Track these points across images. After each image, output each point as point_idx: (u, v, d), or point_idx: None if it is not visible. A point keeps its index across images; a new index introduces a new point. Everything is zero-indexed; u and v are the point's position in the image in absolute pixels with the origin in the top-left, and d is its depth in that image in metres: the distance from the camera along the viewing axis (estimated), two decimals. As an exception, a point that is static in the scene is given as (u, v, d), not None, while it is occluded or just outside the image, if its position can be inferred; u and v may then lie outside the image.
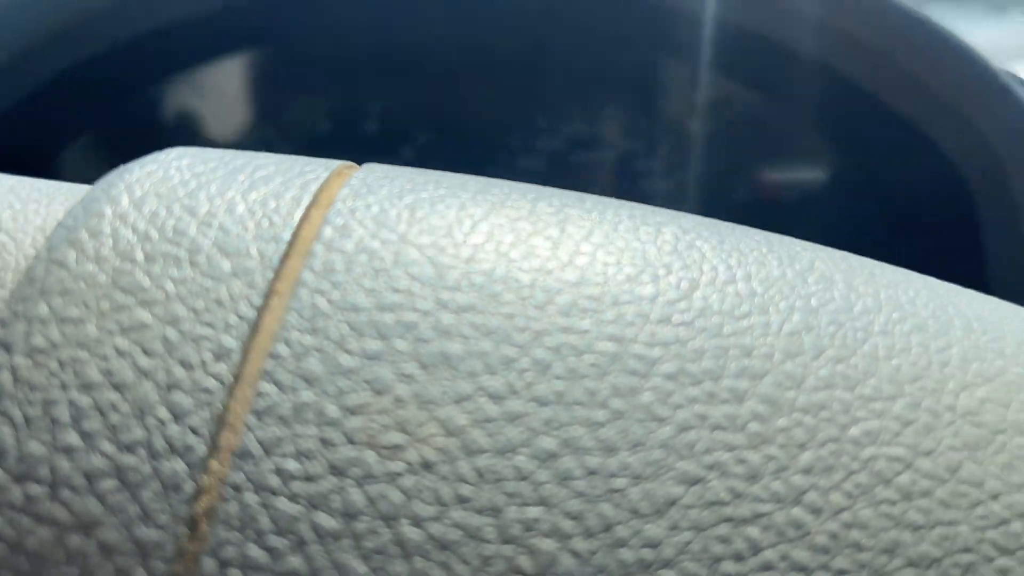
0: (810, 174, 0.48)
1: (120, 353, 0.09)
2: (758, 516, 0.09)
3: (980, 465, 0.10)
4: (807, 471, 0.10)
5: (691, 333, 0.10)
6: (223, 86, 0.46)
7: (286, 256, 0.10)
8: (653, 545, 0.09)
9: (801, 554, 0.09)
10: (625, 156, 0.49)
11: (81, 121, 0.42)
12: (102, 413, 0.09)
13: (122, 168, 0.11)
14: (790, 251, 0.12)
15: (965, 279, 0.45)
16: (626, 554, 0.09)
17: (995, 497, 0.10)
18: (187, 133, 0.45)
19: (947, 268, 0.46)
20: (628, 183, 0.49)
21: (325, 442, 0.09)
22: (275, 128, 0.47)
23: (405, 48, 0.47)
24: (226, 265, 0.10)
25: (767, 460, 0.10)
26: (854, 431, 0.10)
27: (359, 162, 0.13)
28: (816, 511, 0.09)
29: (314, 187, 0.11)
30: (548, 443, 0.09)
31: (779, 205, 0.48)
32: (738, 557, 0.09)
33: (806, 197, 0.48)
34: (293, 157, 0.13)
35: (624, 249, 0.11)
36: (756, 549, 0.09)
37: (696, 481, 0.09)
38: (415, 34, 0.46)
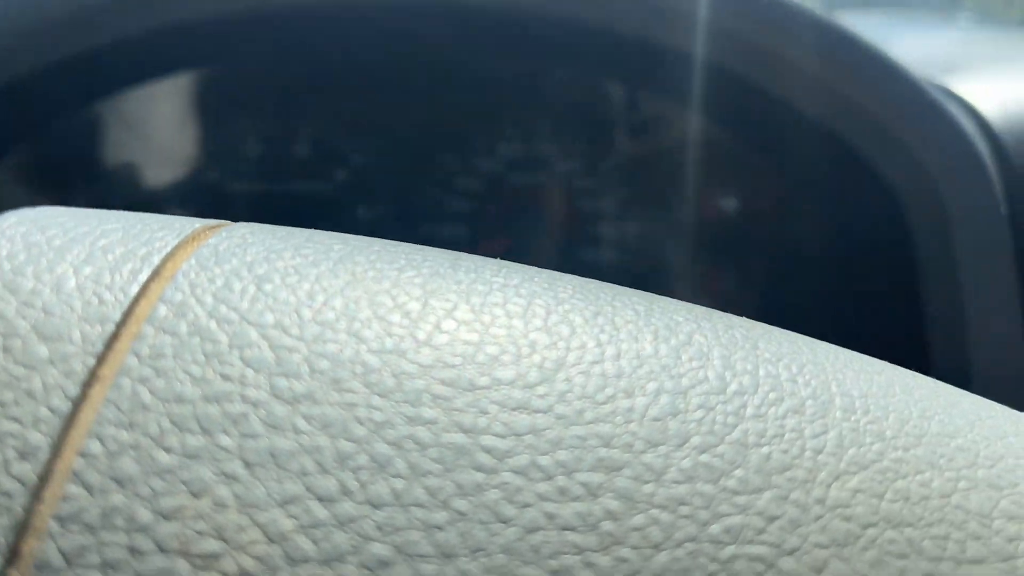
0: (752, 195, 0.48)
1: None
2: None
3: (846, 563, 0.09)
4: (660, 575, 0.09)
5: (548, 421, 0.10)
6: (156, 108, 0.45)
7: (114, 338, 0.10)
8: None
9: None
10: (564, 177, 0.48)
11: (12, 138, 0.40)
12: None
13: None
14: (669, 322, 0.11)
15: (901, 299, 0.45)
16: None
17: None
18: (119, 155, 0.44)
19: (884, 288, 0.46)
20: (567, 204, 0.48)
21: (134, 551, 0.08)
22: (207, 151, 0.46)
23: (339, 70, 0.46)
24: (43, 351, 0.09)
25: (618, 563, 0.09)
26: (714, 528, 0.09)
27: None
28: None
29: (157, 258, 0.10)
30: (380, 550, 0.09)
31: (721, 226, 0.48)
32: None
33: (749, 219, 0.48)
34: (148, 219, 0.12)
35: (489, 325, 0.11)
36: None
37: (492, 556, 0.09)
38: (349, 56, 0.45)
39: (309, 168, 0.44)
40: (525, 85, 0.47)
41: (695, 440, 0.10)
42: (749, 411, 0.10)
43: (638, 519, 0.09)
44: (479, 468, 0.09)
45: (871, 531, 0.10)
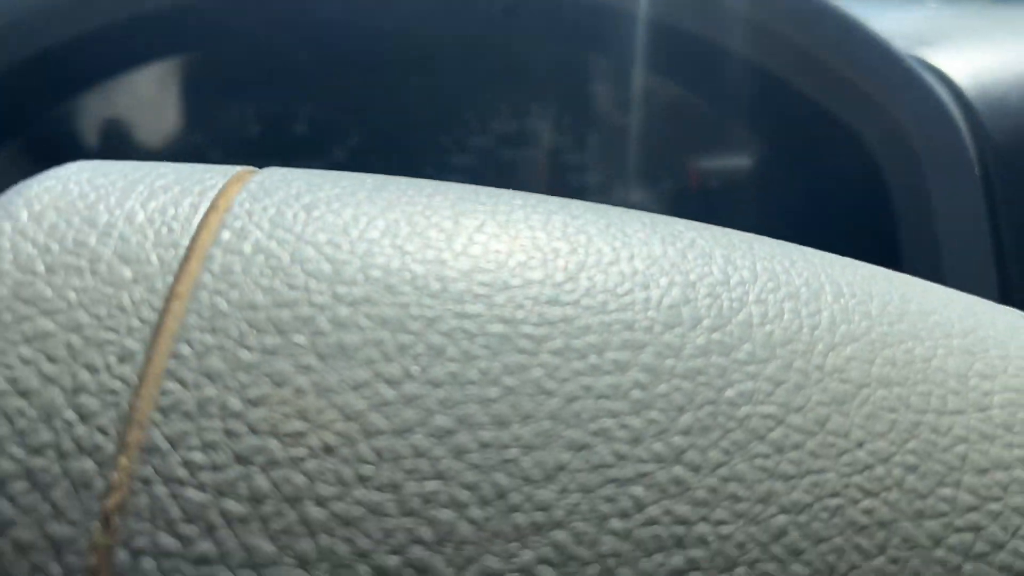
0: (735, 162, 0.49)
1: (24, 361, 0.10)
2: (641, 476, 0.10)
3: (846, 417, 0.11)
4: (686, 432, 0.10)
5: (577, 311, 0.11)
6: (153, 92, 0.46)
7: (185, 260, 0.11)
8: (544, 508, 0.10)
9: (683, 508, 0.10)
10: (555, 151, 0.50)
11: (7, 128, 0.41)
12: (9, 419, 0.10)
13: (21, 184, 0.12)
14: (672, 231, 0.13)
15: (880, 258, 0.46)
16: (520, 518, 0.10)
17: (860, 445, 0.11)
18: (117, 140, 0.45)
19: (864, 247, 0.47)
20: (559, 177, 0.49)
21: (229, 433, 0.10)
22: (206, 133, 0.47)
23: (334, 50, 0.47)
24: (127, 272, 0.11)
25: (649, 424, 0.10)
26: (730, 393, 0.11)
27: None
28: (695, 468, 0.10)
29: (212, 193, 0.12)
30: (443, 421, 0.10)
31: (706, 193, 0.49)
32: (624, 514, 0.10)
33: (732, 185, 0.49)
34: (193, 166, 0.13)
35: (515, 237, 0.12)
36: (641, 506, 0.10)
37: (583, 447, 0.10)
38: (343, 36, 0.46)
39: (308, 147, 0.46)
40: (517, 61, 0.48)
41: (706, 322, 0.11)
42: (751, 297, 0.12)
43: (662, 387, 0.11)
44: (522, 351, 0.11)
45: (865, 391, 0.11)
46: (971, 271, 0.39)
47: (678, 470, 0.10)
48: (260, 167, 0.14)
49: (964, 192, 0.40)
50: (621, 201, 0.51)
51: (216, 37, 0.45)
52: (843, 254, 0.48)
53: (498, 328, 0.11)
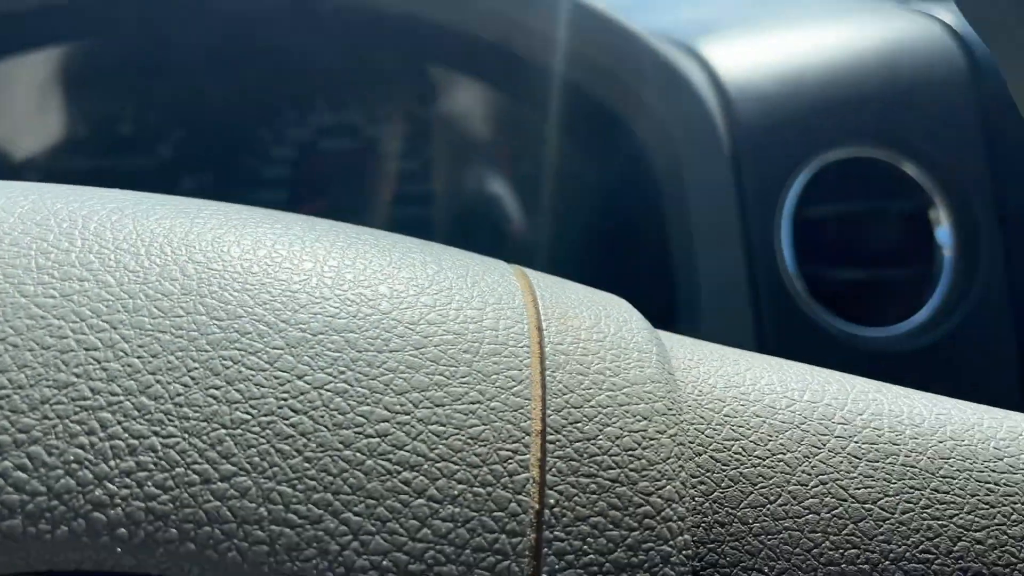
0: (539, 159, 0.53)
1: None
2: (110, 404, 0.13)
3: (298, 358, 0.14)
4: (155, 372, 0.14)
5: (86, 283, 0.14)
6: None
7: None
8: (26, 431, 0.13)
9: (139, 427, 0.13)
10: (370, 142, 0.53)
11: None
12: None
13: None
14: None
15: (651, 238, 0.50)
16: (3, 438, 0.13)
17: (300, 377, 0.14)
18: None
19: (640, 228, 0.51)
20: (375, 167, 0.52)
21: None
22: (32, 133, 0.48)
23: (154, 51, 0.49)
24: None
25: (125, 367, 0.14)
26: (201, 341, 0.14)
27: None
28: (157, 397, 0.13)
29: None
30: None
31: (515, 185, 0.53)
32: (90, 432, 0.13)
33: (539, 174, 0.53)
34: None
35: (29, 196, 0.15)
36: (105, 426, 0.13)
37: (66, 385, 0.13)
38: (163, 37, 0.48)
39: (133, 145, 0.48)
40: (330, 60, 0.50)
41: (204, 289, 0.15)
42: (256, 270, 0.15)
43: (145, 340, 0.14)
44: (31, 317, 0.14)
45: (320, 336, 0.15)
46: (718, 239, 0.43)
47: (143, 399, 0.13)
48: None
49: (712, 167, 0.44)
50: (439, 190, 0.54)
51: (43, 41, 0.47)
52: (627, 237, 0.52)
53: (11, 297, 0.14)
